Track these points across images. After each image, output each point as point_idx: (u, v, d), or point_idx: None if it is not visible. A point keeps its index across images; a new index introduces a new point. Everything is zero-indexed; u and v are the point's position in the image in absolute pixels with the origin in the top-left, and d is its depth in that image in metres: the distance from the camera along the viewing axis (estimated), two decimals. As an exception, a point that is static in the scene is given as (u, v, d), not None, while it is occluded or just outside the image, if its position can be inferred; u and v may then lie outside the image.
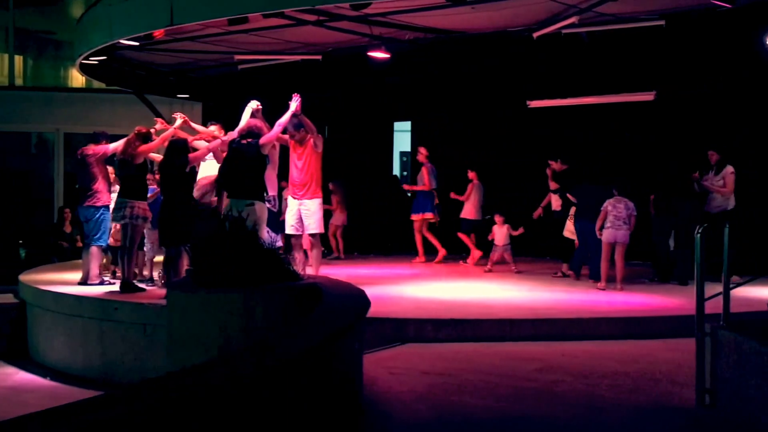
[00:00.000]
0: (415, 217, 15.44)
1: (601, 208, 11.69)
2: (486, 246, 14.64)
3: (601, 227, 11.68)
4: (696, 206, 12.20)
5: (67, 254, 16.44)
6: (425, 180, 15.21)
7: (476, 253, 15.16)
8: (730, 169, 12.08)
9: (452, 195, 15.41)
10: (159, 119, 12.34)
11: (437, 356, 8.16)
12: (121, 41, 12.66)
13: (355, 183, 17.25)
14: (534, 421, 6.06)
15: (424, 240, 15.58)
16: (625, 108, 14.84)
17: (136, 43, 12.95)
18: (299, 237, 11.32)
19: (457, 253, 15.66)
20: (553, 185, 13.40)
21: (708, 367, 6.12)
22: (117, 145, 11.23)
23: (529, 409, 6.31)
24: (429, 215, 15.32)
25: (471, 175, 15.34)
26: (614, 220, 11.55)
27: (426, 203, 15.35)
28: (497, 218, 13.90)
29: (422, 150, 15.48)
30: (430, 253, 15.57)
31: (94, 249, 11.56)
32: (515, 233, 13.84)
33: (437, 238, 15.51)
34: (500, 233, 13.88)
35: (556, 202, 13.36)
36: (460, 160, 17.23)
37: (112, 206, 11.38)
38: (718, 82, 14.00)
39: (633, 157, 14.80)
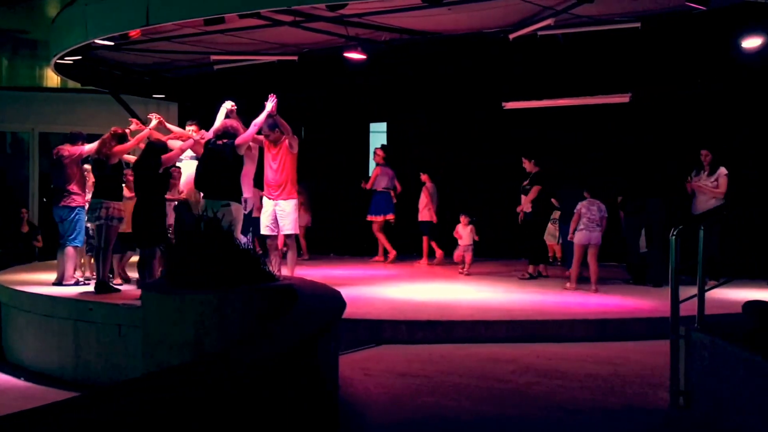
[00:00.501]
0: (373, 218, 15.76)
1: (575, 211, 11.81)
2: (449, 245, 14.98)
3: (575, 229, 11.81)
4: (662, 205, 12.24)
5: (23, 256, 16.33)
6: (373, 179, 15.61)
7: (439, 253, 15.53)
8: (723, 170, 11.94)
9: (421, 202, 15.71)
10: (134, 120, 12.30)
11: (412, 357, 8.16)
12: (97, 41, 12.60)
13: (331, 184, 17.25)
14: (508, 422, 6.07)
15: (377, 240, 15.94)
16: (601, 110, 14.93)
17: (112, 43, 12.89)
18: (274, 238, 11.30)
19: (415, 253, 16.00)
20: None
21: (682, 369, 6.15)
22: (93, 147, 11.18)
23: (503, 411, 6.32)
24: (390, 216, 15.65)
25: (423, 177, 15.58)
26: (588, 222, 11.67)
27: (387, 204, 15.65)
28: (462, 218, 13.85)
29: (379, 151, 15.81)
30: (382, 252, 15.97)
31: (69, 249, 11.51)
32: (476, 238, 13.84)
33: (388, 238, 15.87)
34: (464, 233, 13.87)
35: (525, 203, 13.31)
36: (435, 160, 17.30)
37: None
38: (694, 83, 14.10)
39: (608, 158, 14.87)
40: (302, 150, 11.50)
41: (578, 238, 11.75)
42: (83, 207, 11.47)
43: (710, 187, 11.98)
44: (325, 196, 17.19)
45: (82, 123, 15.74)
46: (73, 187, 11.50)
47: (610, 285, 12.32)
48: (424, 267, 15.17)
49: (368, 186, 15.59)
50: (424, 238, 15.57)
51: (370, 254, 16.22)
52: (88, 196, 11.44)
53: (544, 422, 6.04)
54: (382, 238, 15.83)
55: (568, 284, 12.03)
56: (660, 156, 13.60)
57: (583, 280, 12.00)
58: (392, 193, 15.71)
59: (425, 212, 15.45)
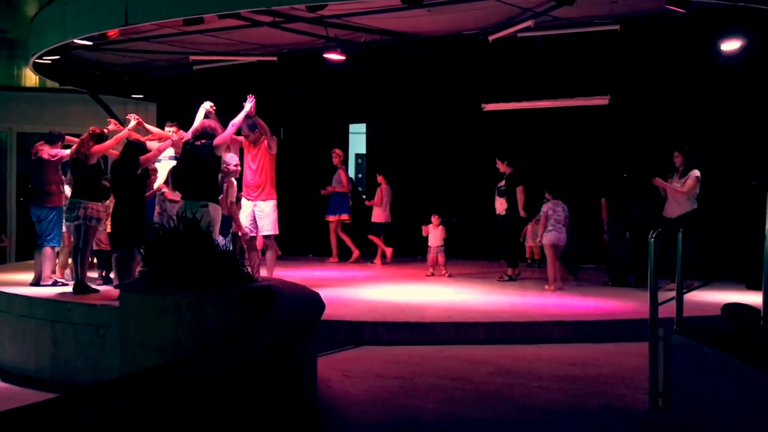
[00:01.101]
0: (331, 218, 15.93)
1: (542, 213, 12.09)
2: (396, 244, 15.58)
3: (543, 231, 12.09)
4: (647, 207, 12.30)
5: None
6: (343, 181, 15.67)
7: (388, 251, 15.87)
8: (695, 173, 11.63)
9: (367, 203, 16.14)
10: (112, 120, 12.22)
11: (391, 359, 8.16)
12: (75, 41, 12.50)
13: (310, 185, 17.19)
14: (487, 423, 6.07)
15: (340, 241, 16.09)
16: (581, 111, 14.96)
17: (90, 43, 12.80)
18: (254, 239, 11.26)
19: (372, 254, 16.17)
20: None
21: (661, 370, 6.17)
22: (73, 149, 11.14)
23: (482, 412, 6.32)
24: (345, 216, 15.83)
25: (380, 179, 15.97)
26: (555, 223, 11.96)
27: (342, 204, 15.85)
28: (434, 218, 13.82)
29: (338, 152, 15.95)
30: (347, 254, 16.18)
31: (47, 250, 11.44)
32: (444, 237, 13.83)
33: (352, 239, 16.07)
34: (435, 234, 13.80)
35: (500, 205, 13.28)
36: (415, 162, 17.32)
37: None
38: (673, 86, 14.17)
39: (590, 160, 14.94)
40: (281, 151, 11.46)
41: (549, 239, 11.97)
42: (61, 207, 11.41)
43: (674, 187, 11.70)
44: (303, 196, 17.15)
45: (60, 123, 15.64)
46: (52, 188, 11.45)
47: (589, 287, 12.37)
48: (389, 267, 15.28)
49: (346, 189, 15.65)
50: (379, 239, 15.89)
51: (348, 256, 16.22)
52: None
53: (522, 424, 6.05)
54: (338, 240, 16.10)
55: (547, 286, 12.07)
56: (640, 158, 13.63)
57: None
58: (349, 194, 15.98)
59: (380, 213, 15.79)
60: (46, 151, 11.51)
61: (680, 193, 11.63)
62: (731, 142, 13.63)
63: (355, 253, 16.01)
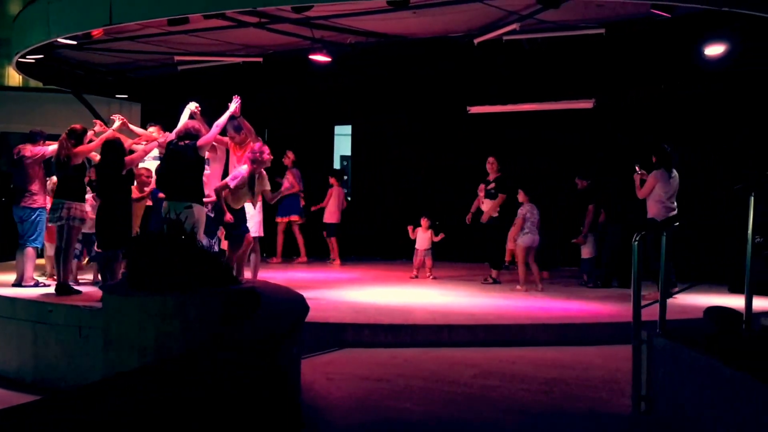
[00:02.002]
0: (280, 219, 16.08)
1: (519, 215, 12.31)
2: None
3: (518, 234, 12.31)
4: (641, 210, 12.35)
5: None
6: (293, 183, 15.66)
7: (335, 253, 16.25)
8: (654, 173, 11.29)
9: (313, 208, 16.31)
10: (97, 121, 12.14)
11: (375, 361, 8.15)
12: (59, 40, 12.42)
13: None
14: (470, 426, 6.07)
15: (288, 241, 16.33)
16: (567, 115, 15.00)
17: (74, 42, 12.72)
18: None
19: (323, 255, 16.50)
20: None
21: (644, 374, 6.19)
22: (56, 148, 11.06)
23: (465, 415, 6.32)
24: (295, 217, 16.04)
25: (332, 180, 16.30)
26: (531, 226, 12.24)
27: (292, 206, 15.99)
28: (423, 221, 13.85)
29: (290, 154, 16.08)
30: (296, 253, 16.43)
31: (29, 250, 11.37)
32: (436, 239, 13.83)
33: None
34: (423, 237, 13.82)
35: (488, 206, 13.29)
36: (400, 163, 17.34)
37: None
38: (657, 89, 14.22)
39: (576, 161, 14.98)
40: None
41: (524, 241, 12.23)
42: (44, 208, 11.35)
43: (638, 187, 11.53)
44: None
45: (43, 122, 15.53)
46: (34, 188, 11.39)
47: (573, 289, 12.42)
48: (373, 269, 15.33)
49: (296, 189, 15.75)
50: (332, 239, 16.21)
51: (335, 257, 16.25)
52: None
53: (505, 427, 6.05)
54: (285, 240, 16.33)
55: (518, 286, 12.33)
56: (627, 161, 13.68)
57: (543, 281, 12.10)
58: (301, 195, 16.13)
59: (331, 213, 16.05)
60: (29, 149, 11.44)
61: (638, 193, 11.48)
62: (716, 143, 13.68)
63: (303, 257, 16.26)
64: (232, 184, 10.12)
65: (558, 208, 13.99)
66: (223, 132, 10.50)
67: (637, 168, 11.65)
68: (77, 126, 10.89)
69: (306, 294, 7.59)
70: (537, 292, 12.08)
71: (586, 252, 13.18)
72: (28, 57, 13.79)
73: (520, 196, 12.47)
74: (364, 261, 16.52)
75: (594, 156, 14.55)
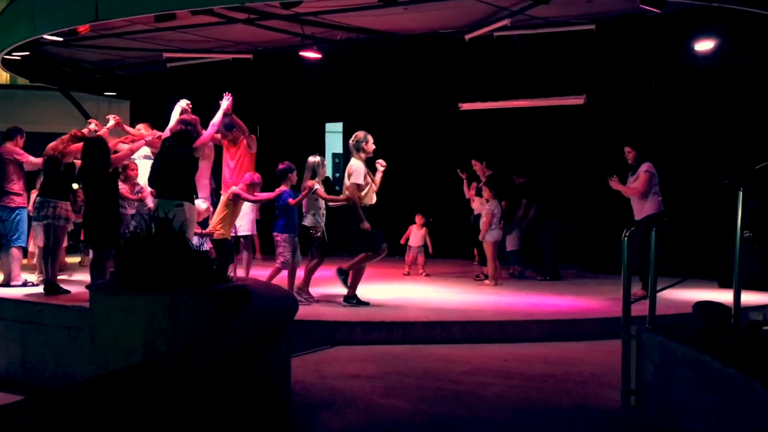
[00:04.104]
0: None
1: (490, 212, 12.56)
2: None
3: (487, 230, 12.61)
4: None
5: None
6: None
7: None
8: (644, 167, 10.91)
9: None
10: (93, 120, 12.06)
11: (367, 359, 8.14)
12: (45, 36, 12.34)
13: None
14: (461, 423, 6.05)
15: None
16: (567, 114, 14.97)
17: (61, 39, 12.61)
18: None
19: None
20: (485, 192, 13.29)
21: (634, 369, 6.19)
22: (38, 161, 11.04)
23: (456, 411, 6.31)
24: None
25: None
26: (496, 222, 12.57)
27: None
28: (418, 218, 13.92)
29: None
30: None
31: (13, 251, 11.30)
32: (428, 241, 13.96)
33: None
34: (417, 235, 13.91)
35: (479, 205, 13.35)
36: (393, 161, 17.24)
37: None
38: (648, 85, 14.20)
39: (570, 160, 15.00)
40: (257, 150, 11.43)
41: (493, 236, 12.57)
42: (24, 207, 11.31)
43: (629, 187, 11.01)
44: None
45: (31, 120, 15.50)
46: (13, 187, 11.30)
47: (564, 285, 12.45)
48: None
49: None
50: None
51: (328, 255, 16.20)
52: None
53: (496, 422, 6.04)
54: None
55: (487, 281, 12.71)
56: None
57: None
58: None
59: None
60: (7, 147, 11.38)
61: (635, 192, 10.93)
62: (716, 143, 13.65)
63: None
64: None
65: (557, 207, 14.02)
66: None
67: (611, 179, 11.13)
68: (79, 132, 10.88)
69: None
70: (499, 285, 12.52)
71: (510, 245, 13.58)
72: (13, 54, 13.68)
73: (485, 193, 12.64)
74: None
75: (594, 156, 14.54)
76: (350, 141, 10.59)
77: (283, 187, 10.58)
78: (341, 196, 10.55)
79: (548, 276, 13.28)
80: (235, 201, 10.53)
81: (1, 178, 11.31)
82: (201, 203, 10.62)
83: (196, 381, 3.90)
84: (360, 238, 10.15)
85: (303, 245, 10.73)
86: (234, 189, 10.52)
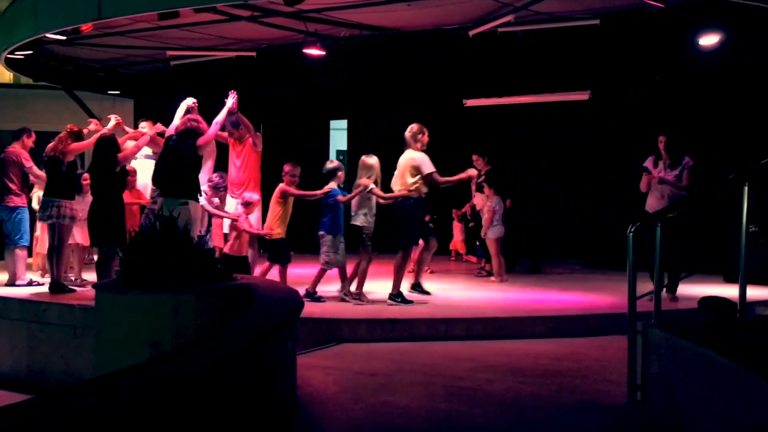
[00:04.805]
0: None
1: (491, 209, 12.59)
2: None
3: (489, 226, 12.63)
4: None
5: None
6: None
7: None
8: (687, 161, 10.54)
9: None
10: (93, 120, 12.06)
11: (371, 356, 8.12)
12: (48, 35, 12.33)
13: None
14: (466, 419, 6.04)
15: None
16: (568, 113, 14.95)
17: (64, 38, 12.59)
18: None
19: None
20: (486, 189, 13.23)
21: (640, 364, 6.17)
22: (41, 174, 11.17)
23: (461, 408, 6.29)
24: None
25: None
26: (498, 218, 12.57)
27: None
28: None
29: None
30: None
31: (17, 251, 11.32)
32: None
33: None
34: None
35: (480, 200, 13.31)
36: (396, 158, 17.23)
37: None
38: (652, 80, 14.18)
39: (574, 157, 14.97)
40: (262, 147, 11.43)
41: (495, 233, 12.55)
42: (24, 207, 11.33)
43: (674, 181, 10.53)
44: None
45: (35, 119, 15.49)
46: (12, 187, 11.31)
47: (569, 281, 12.45)
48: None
49: None
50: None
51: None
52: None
53: (501, 419, 6.02)
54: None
55: (492, 278, 12.71)
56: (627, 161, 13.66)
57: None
58: None
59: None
60: (10, 148, 11.41)
61: (679, 186, 10.50)
62: (716, 143, 13.63)
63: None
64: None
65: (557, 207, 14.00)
66: (222, 128, 10.46)
67: (656, 170, 10.72)
68: (76, 127, 10.86)
69: (302, 290, 7.55)
70: (503, 281, 12.50)
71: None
72: (16, 53, 13.69)
73: (486, 190, 12.58)
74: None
75: (594, 155, 14.52)
76: (406, 134, 11.00)
77: (332, 184, 10.57)
78: (395, 192, 10.71)
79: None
80: (285, 198, 10.56)
81: (1, 179, 11.32)
82: (253, 195, 10.76)
83: (198, 381, 3.90)
84: (410, 233, 10.67)
85: (351, 245, 10.67)
86: (282, 186, 10.57)
